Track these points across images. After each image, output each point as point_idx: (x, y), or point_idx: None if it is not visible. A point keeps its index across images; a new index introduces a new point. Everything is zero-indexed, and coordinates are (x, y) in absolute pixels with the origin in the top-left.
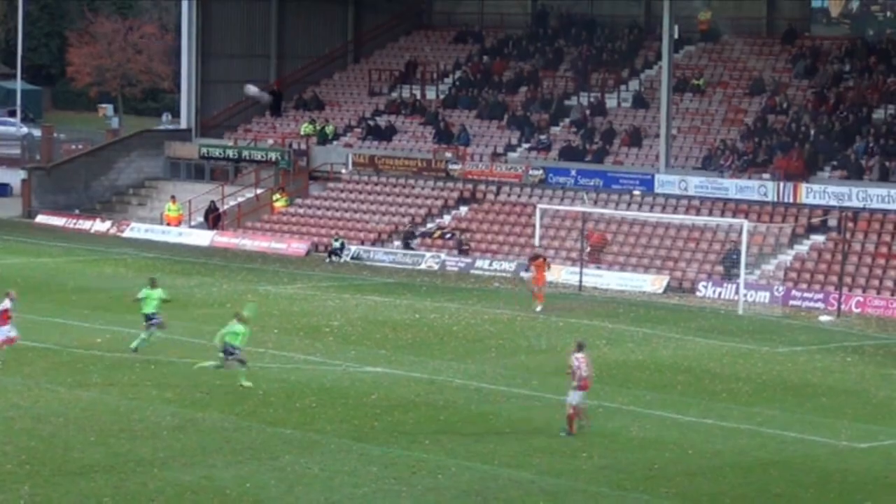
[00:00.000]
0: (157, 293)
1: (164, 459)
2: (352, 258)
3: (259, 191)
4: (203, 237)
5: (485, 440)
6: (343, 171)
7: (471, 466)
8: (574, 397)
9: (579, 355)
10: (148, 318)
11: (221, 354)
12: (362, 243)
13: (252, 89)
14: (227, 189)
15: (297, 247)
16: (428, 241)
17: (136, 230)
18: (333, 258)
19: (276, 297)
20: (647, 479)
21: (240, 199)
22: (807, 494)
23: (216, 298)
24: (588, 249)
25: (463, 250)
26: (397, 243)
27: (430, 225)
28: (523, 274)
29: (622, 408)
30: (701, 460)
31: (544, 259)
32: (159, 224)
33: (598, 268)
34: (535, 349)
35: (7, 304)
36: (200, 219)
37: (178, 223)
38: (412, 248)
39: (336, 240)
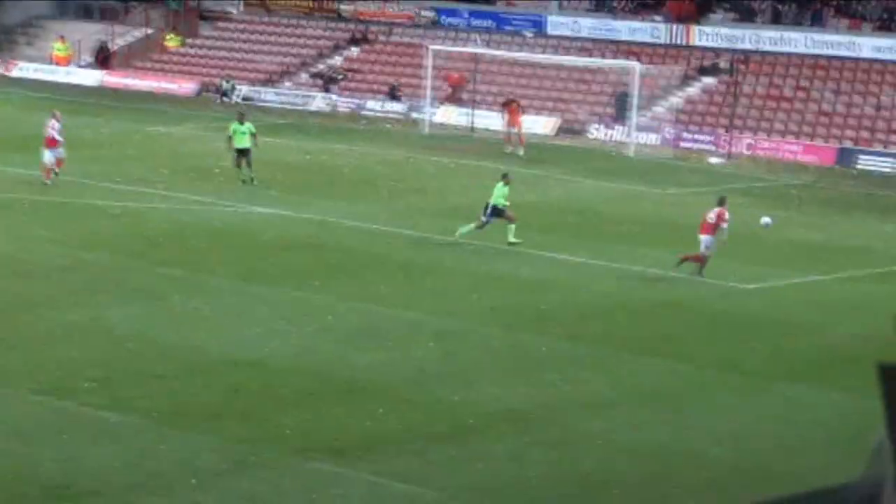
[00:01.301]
0: (247, 127)
1: (54, 299)
2: (242, 99)
3: (149, 31)
4: (92, 77)
5: (374, 281)
6: (233, 11)
7: (360, 307)
8: (704, 241)
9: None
10: None
11: (483, 218)
12: (252, 84)
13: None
14: (116, 29)
15: (188, 87)
16: (352, 84)
17: (25, 70)
18: (224, 99)
19: (166, 137)
20: (537, 320)
21: (129, 39)
22: (696, 335)
23: (105, 138)
24: (449, 91)
25: (395, 96)
26: (288, 84)
27: (320, 66)
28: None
29: (512, 249)
30: (591, 301)
31: (518, 103)
32: (48, 64)
33: (463, 107)
34: (426, 191)
35: (55, 125)
36: (90, 58)
37: (67, 63)
38: (332, 93)
39: (226, 81)
